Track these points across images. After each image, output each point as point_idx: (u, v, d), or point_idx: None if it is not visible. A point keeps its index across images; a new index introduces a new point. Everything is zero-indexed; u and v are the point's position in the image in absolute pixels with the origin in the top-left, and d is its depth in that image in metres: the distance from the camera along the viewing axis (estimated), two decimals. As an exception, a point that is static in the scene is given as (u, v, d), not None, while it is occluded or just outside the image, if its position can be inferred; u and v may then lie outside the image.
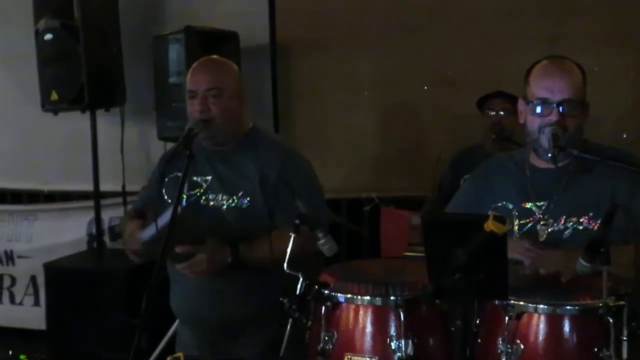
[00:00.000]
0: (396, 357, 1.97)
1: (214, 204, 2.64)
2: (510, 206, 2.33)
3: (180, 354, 2.27)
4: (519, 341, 1.93)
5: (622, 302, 1.87)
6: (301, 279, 2.07)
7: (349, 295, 2.04)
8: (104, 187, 4.48)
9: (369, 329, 2.01)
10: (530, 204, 2.31)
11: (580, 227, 2.24)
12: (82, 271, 4.28)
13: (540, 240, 2.27)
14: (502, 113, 3.74)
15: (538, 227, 2.28)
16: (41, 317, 4.48)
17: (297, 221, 2.13)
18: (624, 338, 1.85)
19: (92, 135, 4.36)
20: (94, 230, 4.60)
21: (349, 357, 2.01)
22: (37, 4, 4.31)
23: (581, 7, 4.12)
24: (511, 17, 4.20)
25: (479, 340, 2.01)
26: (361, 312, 2.03)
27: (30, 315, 4.88)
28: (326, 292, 2.05)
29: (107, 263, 4.39)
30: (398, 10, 4.34)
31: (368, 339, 2.01)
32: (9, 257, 5.01)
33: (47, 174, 4.98)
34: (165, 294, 2.71)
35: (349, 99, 4.52)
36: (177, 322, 2.84)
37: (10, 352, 2.89)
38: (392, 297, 2.00)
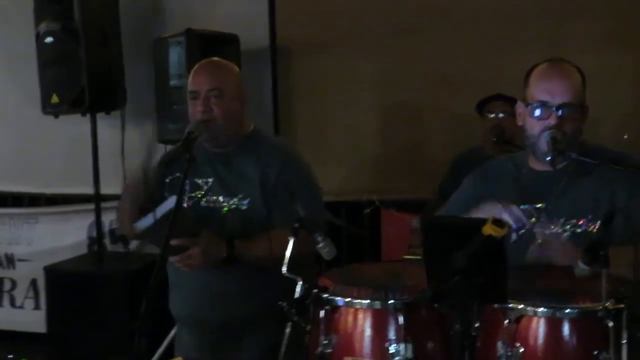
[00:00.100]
0: (395, 361, 1.97)
1: (214, 206, 2.65)
2: None
3: (179, 358, 2.27)
4: (518, 344, 1.91)
5: (622, 305, 1.86)
6: (300, 283, 2.07)
7: (348, 299, 2.03)
8: (105, 190, 4.48)
9: (368, 332, 2.00)
10: (528, 206, 2.31)
11: (579, 230, 2.24)
12: (83, 274, 4.29)
13: (538, 242, 2.26)
14: (502, 116, 3.73)
15: (535, 230, 2.28)
16: (42, 321, 4.48)
17: (296, 225, 2.13)
18: (624, 341, 1.85)
19: (93, 138, 4.36)
20: (94, 234, 4.60)
21: (348, 360, 2.00)
22: (38, 7, 4.31)
23: (581, 8, 4.12)
24: (511, 18, 4.20)
25: (479, 344, 2.00)
26: (360, 315, 2.02)
27: (30, 318, 4.88)
28: (325, 295, 2.04)
29: (108, 266, 4.39)
30: (398, 11, 4.34)
31: (367, 342, 2.00)
32: (10, 260, 5.01)
33: (48, 177, 4.98)
34: (165, 297, 2.72)
35: (349, 100, 4.52)
36: (176, 326, 2.83)
37: (11, 356, 2.89)
38: (391, 301, 1.99)
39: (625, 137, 3.82)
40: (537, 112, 2.27)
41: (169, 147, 3.73)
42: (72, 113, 4.33)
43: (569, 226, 2.25)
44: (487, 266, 1.77)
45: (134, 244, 4.71)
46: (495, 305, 1.95)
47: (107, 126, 4.51)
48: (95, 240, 4.59)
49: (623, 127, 4.06)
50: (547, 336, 1.91)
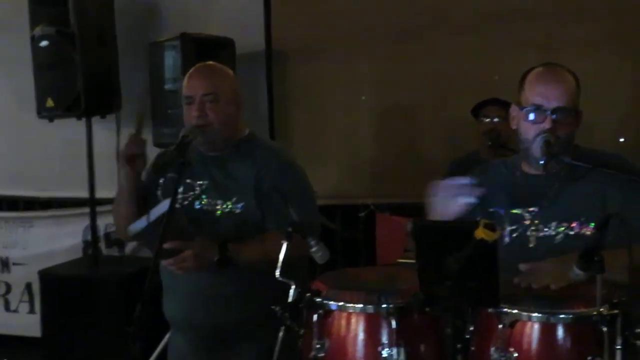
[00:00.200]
0: (388, 365, 1.96)
1: (207, 208, 2.64)
2: (502, 211, 2.33)
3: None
4: (512, 349, 1.92)
5: (616, 311, 1.86)
6: (293, 287, 2.07)
7: (341, 303, 2.03)
8: (100, 194, 4.47)
9: (361, 336, 2.01)
10: (521, 209, 2.31)
11: (572, 233, 2.24)
12: (78, 278, 4.27)
13: (530, 246, 2.27)
14: (497, 120, 3.73)
15: (528, 233, 2.28)
16: (36, 325, 4.46)
17: (289, 229, 2.12)
18: (618, 347, 1.84)
19: (88, 142, 4.36)
20: (89, 237, 4.59)
21: (341, 365, 2.00)
22: (33, 11, 4.30)
23: (578, 12, 4.12)
24: (508, 21, 4.20)
25: (473, 348, 2.00)
26: (353, 320, 2.02)
27: (25, 322, 4.87)
28: (318, 299, 2.05)
29: (103, 270, 4.38)
30: (394, 15, 4.34)
31: (360, 346, 2.01)
32: (5, 264, 5.00)
33: (43, 180, 4.97)
34: (160, 301, 2.71)
35: (344, 104, 4.52)
36: (169, 333, 2.82)
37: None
38: (384, 305, 2.00)
39: (622, 140, 3.82)
40: (532, 116, 2.27)
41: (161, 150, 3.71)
42: (68, 117, 4.32)
43: (562, 229, 2.25)
44: (479, 270, 1.76)
45: (129, 248, 4.70)
46: (490, 310, 1.95)
47: (103, 130, 4.49)
48: (90, 244, 4.58)
49: (620, 129, 4.07)
50: (541, 341, 1.91)
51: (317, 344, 2.03)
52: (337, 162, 4.54)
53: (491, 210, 2.33)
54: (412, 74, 4.35)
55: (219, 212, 2.62)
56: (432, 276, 1.83)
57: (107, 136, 4.52)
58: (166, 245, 2.40)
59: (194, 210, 2.65)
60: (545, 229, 2.26)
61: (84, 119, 4.34)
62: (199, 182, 2.67)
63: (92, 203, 4.43)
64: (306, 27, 4.48)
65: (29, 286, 4.90)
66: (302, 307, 2.05)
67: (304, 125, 4.60)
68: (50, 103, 4.26)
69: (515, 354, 1.91)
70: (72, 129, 4.48)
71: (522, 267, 2.12)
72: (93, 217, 4.44)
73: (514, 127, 2.37)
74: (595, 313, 1.87)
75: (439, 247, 1.82)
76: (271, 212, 2.56)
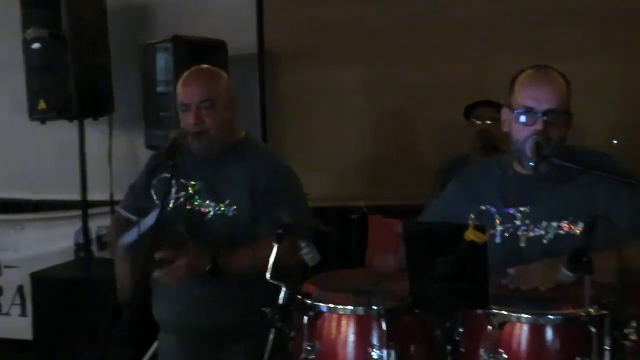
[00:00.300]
0: (379, 367, 1.97)
1: (199, 210, 2.64)
2: (494, 210, 2.35)
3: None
4: (502, 351, 1.92)
5: (605, 312, 1.87)
6: (284, 289, 2.07)
7: (331, 305, 2.03)
8: (92, 196, 4.47)
9: (351, 338, 2.01)
10: (513, 209, 2.32)
11: (562, 232, 2.25)
12: (70, 281, 4.26)
13: (521, 245, 2.28)
14: (489, 122, 3.74)
15: (519, 233, 2.30)
16: (28, 328, 4.44)
17: (279, 231, 2.13)
18: (607, 348, 1.85)
19: (80, 145, 4.35)
20: (82, 240, 4.58)
21: (332, 366, 2.00)
22: (26, 13, 4.30)
23: (569, 16, 4.14)
24: (499, 25, 4.21)
25: (462, 350, 2.01)
26: (344, 322, 2.02)
27: (17, 325, 4.85)
28: (309, 301, 2.05)
29: (95, 273, 4.37)
30: (385, 18, 4.35)
31: (351, 348, 2.01)
32: (-3, 267, 5.00)
33: (35, 183, 4.95)
34: (150, 304, 2.71)
35: (337, 107, 4.52)
36: (159, 333, 2.82)
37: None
38: (374, 307, 2.00)
39: (615, 142, 3.83)
40: (523, 119, 2.28)
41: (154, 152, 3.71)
42: (60, 119, 4.32)
43: (551, 229, 2.26)
44: (469, 272, 1.77)
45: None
46: (479, 311, 1.95)
47: (95, 132, 4.49)
48: (83, 247, 4.58)
49: (612, 132, 4.08)
50: (531, 342, 1.92)
51: (308, 346, 2.03)
52: (329, 164, 4.54)
53: (483, 208, 2.35)
54: (404, 77, 4.36)
55: (211, 214, 2.62)
56: (422, 278, 1.84)
57: (99, 139, 4.52)
58: (157, 256, 2.40)
59: (186, 211, 2.65)
60: (536, 229, 2.28)
61: (76, 122, 4.33)
62: (192, 183, 2.67)
63: (85, 206, 4.43)
64: (299, 30, 4.49)
65: (20, 289, 4.88)
66: (292, 309, 2.05)
67: (296, 128, 4.60)
68: (42, 105, 4.26)
69: (505, 356, 1.91)
70: (64, 131, 4.47)
71: (511, 271, 2.13)
72: (85, 220, 4.44)
73: (505, 130, 2.38)
74: (584, 314, 1.87)
75: (428, 249, 1.82)
76: (265, 217, 2.55)
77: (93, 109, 4.34)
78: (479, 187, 2.41)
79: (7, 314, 4.97)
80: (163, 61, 4.11)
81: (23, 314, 4.90)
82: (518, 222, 2.30)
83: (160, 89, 4.12)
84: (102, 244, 4.71)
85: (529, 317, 1.92)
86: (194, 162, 2.66)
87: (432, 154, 4.34)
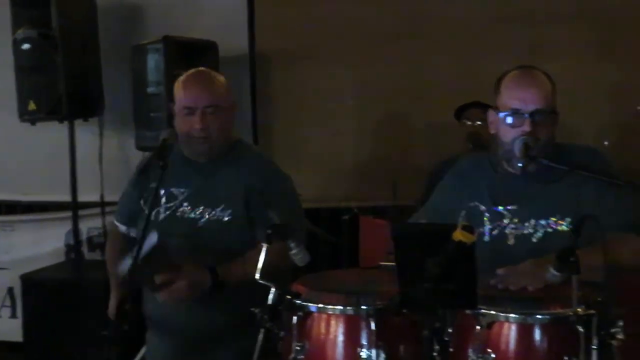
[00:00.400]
0: (368, 367, 1.97)
1: (190, 216, 2.62)
2: (482, 207, 2.36)
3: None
4: (490, 350, 1.93)
5: (592, 311, 1.88)
6: (273, 289, 2.07)
7: (320, 305, 2.04)
8: (83, 197, 4.46)
9: (340, 338, 2.01)
10: (501, 207, 2.34)
11: (550, 230, 2.27)
12: (60, 282, 4.25)
13: (509, 243, 2.30)
14: (479, 123, 3.75)
15: (507, 231, 2.31)
16: (18, 329, 4.43)
17: (268, 231, 2.13)
18: (594, 347, 1.86)
19: (70, 146, 4.34)
20: (72, 241, 4.56)
21: (321, 366, 2.00)
22: (15, 13, 4.28)
23: (561, 17, 4.16)
24: (491, 26, 4.23)
25: (451, 349, 2.02)
26: (333, 322, 2.03)
27: (7, 327, 4.82)
28: (298, 302, 2.05)
29: (85, 274, 4.36)
30: (377, 20, 4.36)
31: (339, 348, 2.01)
32: (-13, 268, 4.97)
33: (25, 184, 4.93)
34: (140, 305, 2.70)
35: (328, 108, 4.53)
36: (147, 332, 2.81)
37: (-13, 364, 2.86)
38: (363, 307, 2.01)
39: (606, 143, 3.85)
40: (510, 120, 2.29)
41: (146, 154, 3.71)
42: (50, 120, 4.31)
43: (539, 227, 2.28)
44: (457, 272, 1.78)
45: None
46: (468, 311, 1.96)
47: (85, 133, 4.48)
48: (73, 248, 4.56)
49: (602, 133, 4.10)
50: (518, 342, 1.93)
51: (297, 346, 2.04)
52: (320, 165, 4.55)
53: (472, 204, 2.36)
54: (395, 78, 4.37)
55: (203, 219, 2.61)
56: (411, 278, 1.84)
57: (89, 139, 4.52)
58: (156, 279, 2.40)
59: (177, 218, 2.63)
60: (524, 228, 2.29)
61: (66, 123, 4.32)
62: (181, 190, 2.66)
63: (75, 207, 4.41)
64: (290, 31, 4.49)
65: (10, 290, 4.85)
66: (281, 309, 2.06)
67: (287, 129, 4.61)
68: (32, 106, 4.24)
69: (493, 355, 1.92)
70: (54, 132, 4.46)
71: (500, 271, 2.14)
72: (75, 221, 4.42)
73: (492, 131, 2.40)
74: (571, 313, 1.88)
75: (417, 250, 1.83)
76: (259, 220, 2.52)
77: (83, 110, 4.33)
78: (470, 182, 2.43)
79: (-3, 316, 4.95)
80: (153, 62, 4.10)
81: (13, 315, 4.88)
82: (506, 221, 2.32)
83: (150, 89, 4.11)
84: (93, 245, 4.70)
85: (517, 316, 1.93)
86: (183, 167, 2.64)
87: (423, 155, 4.35)
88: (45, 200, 4.92)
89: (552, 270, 1.95)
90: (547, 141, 2.29)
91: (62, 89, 4.16)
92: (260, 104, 4.55)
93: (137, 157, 4.10)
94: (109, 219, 4.47)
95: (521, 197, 2.32)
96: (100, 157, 4.47)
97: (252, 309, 2.05)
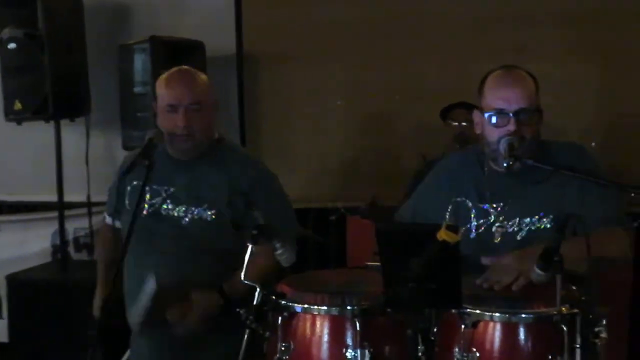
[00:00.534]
0: (353, 367, 1.97)
1: (174, 214, 2.62)
2: (469, 204, 2.38)
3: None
4: (474, 349, 1.94)
5: (576, 310, 1.89)
6: (258, 289, 2.07)
7: (305, 306, 2.04)
8: (69, 197, 4.43)
9: (325, 338, 2.02)
10: (487, 205, 2.36)
11: (533, 228, 2.29)
12: (46, 283, 4.23)
13: (495, 241, 2.31)
14: (464, 124, 3.76)
15: (494, 229, 2.33)
16: (4, 330, 4.41)
17: (254, 232, 2.13)
18: (577, 345, 1.88)
19: (57, 145, 4.32)
20: (58, 241, 4.54)
21: (306, 366, 2.01)
22: (1, 13, 4.26)
23: (547, 18, 4.17)
24: (479, 27, 4.23)
25: (436, 349, 2.02)
26: (318, 322, 2.03)
27: (-8, 327, 4.81)
28: (283, 302, 2.06)
29: (72, 274, 4.34)
30: (364, 20, 4.36)
31: (325, 348, 2.02)
32: (-28, 269, 4.93)
33: (11, 184, 4.91)
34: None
35: (315, 108, 4.52)
36: (132, 334, 2.80)
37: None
38: (348, 307, 2.01)
39: (593, 144, 3.87)
40: (494, 120, 2.31)
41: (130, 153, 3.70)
42: (36, 120, 4.28)
43: (524, 225, 2.30)
44: (441, 272, 1.78)
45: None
46: (453, 310, 1.96)
47: (72, 133, 4.46)
48: (59, 248, 4.54)
49: (588, 133, 4.11)
50: (503, 341, 1.94)
51: (282, 346, 2.04)
52: (308, 165, 4.54)
53: (459, 199, 2.37)
54: (381, 79, 4.37)
55: (187, 218, 2.61)
56: (396, 278, 1.85)
57: (76, 140, 4.49)
58: (169, 317, 2.44)
59: (161, 216, 2.63)
60: (509, 226, 2.31)
61: (52, 122, 4.30)
62: (164, 188, 2.65)
63: (61, 207, 4.39)
64: (277, 31, 4.48)
65: (-4, 291, 4.84)
66: (266, 309, 2.06)
67: (275, 129, 4.60)
68: (18, 106, 4.22)
69: (478, 354, 1.93)
70: (40, 132, 4.44)
71: (484, 260, 2.15)
72: (62, 221, 4.40)
73: (478, 132, 2.41)
74: (555, 312, 1.90)
75: (402, 250, 1.83)
76: (248, 220, 2.51)
77: (69, 110, 4.30)
78: (457, 178, 2.45)
79: (-17, 316, 4.92)
80: (140, 62, 4.09)
81: (-2, 316, 4.86)
82: (492, 218, 2.34)
83: (137, 89, 4.10)
84: (79, 245, 4.68)
85: (502, 315, 1.94)
86: (167, 166, 2.64)
87: (410, 155, 4.35)
88: (31, 200, 4.90)
89: (537, 270, 1.96)
90: (533, 140, 2.30)
91: (49, 88, 4.14)
92: (248, 105, 4.54)
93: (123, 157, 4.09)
94: (96, 219, 4.46)
95: (507, 195, 2.34)
96: (87, 157, 4.44)
97: (238, 310, 2.05)
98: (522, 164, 2.24)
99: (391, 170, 4.36)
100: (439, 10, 4.30)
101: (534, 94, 2.32)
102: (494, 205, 2.35)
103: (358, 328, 1.98)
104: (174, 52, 4.07)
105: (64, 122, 4.34)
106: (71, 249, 4.65)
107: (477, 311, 1.94)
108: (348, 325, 2.00)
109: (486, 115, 2.32)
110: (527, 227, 2.29)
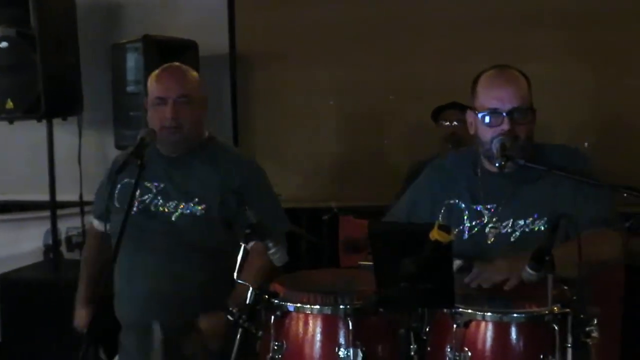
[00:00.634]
0: (345, 366, 1.98)
1: (164, 210, 2.63)
2: (462, 205, 2.38)
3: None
4: (466, 349, 1.95)
5: (567, 310, 1.90)
6: (251, 288, 2.07)
7: (298, 305, 2.05)
8: (61, 197, 4.42)
9: (318, 337, 2.02)
10: (480, 206, 2.36)
11: (527, 229, 2.29)
12: (38, 282, 4.22)
13: (489, 242, 2.31)
14: (456, 124, 3.76)
15: (487, 230, 2.33)
16: (-4, 329, 4.40)
17: (247, 231, 2.13)
18: (569, 345, 1.88)
19: (49, 145, 4.31)
20: (50, 241, 4.53)
21: (299, 366, 2.01)
22: (-7, 12, 4.26)
23: (539, 18, 4.18)
24: (469, 27, 4.24)
25: (428, 348, 2.03)
26: (310, 321, 2.04)
27: (-16, 327, 4.80)
28: (276, 301, 2.06)
29: (64, 274, 4.32)
30: (356, 20, 4.36)
31: (317, 347, 2.02)
32: (-36, 268, 4.92)
33: (3, 183, 4.89)
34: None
35: (308, 108, 4.53)
36: (121, 332, 2.80)
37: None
38: (341, 306, 2.02)
39: (586, 144, 3.89)
40: (488, 120, 2.31)
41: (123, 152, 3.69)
42: (28, 119, 4.27)
43: (517, 226, 2.30)
44: (433, 272, 1.79)
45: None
46: (445, 310, 1.97)
47: (64, 132, 4.45)
48: (52, 248, 4.53)
49: (582, 135, 4.13)
50: (495, 340, 1.94)
51: (275, 345, 2.04)
52: (300, 165, 4.55)
53: (452, 201, 2.38)
54: (374, 79, 4.38)
55: (177, 213, 2.61)
56: (389, 278, 1.85)
57: (68, 139, 4.48)
58: (187, 351, 2.46)
59: (151, 213, 2.63)
60: (502, 227, 2.31)
61: (44, 121, 4.29)
62: (154, 184, 2.66)
63: (53, 206, 4.38)
64: (270, 30, 4.49)
65: (-12, 290, 4.82)
66: (259, 308, 2.06)
67: (267, 129, 4.60)
68: (10, 105, 4.20)
69: (470, 354, 1.93)
70: (33, 131, 4.43)
71: (467, 279, 2.15)
72: (54, 220, 4.39)
73: (472, 132, 2.41)
74: (547, 312, 1.90)
75: (394, 249, 1.84)
76: (239, 218, 2.50)
77: (62, 109, 4.29)
78: (451, 178, 2.45)
79: (-26, 316, 4.90)
80: (133, 61, 4.09)
81: (-10, 315, 4.84)
82: (485, 219, 2.34)
83: (130, 88, 4.10)
84: (71, 244, 4.67)
85: (493, 315, 1.95)
86: (158, 162, 2.65)
87: (403, 155, 4.36)
88: (23, 199, 4.88)
89: (528, 270, 1.97)
90: (526, 140, 2.30)
91: (41, 87, 4.12)
92: (241, 105, 4.54)
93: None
94: (88, 218, 4.45)
95: (500, 196, 2.34)
96: (79, 157, 4.43)
97: (230, 309, 2.05)
98: (515, 163, 2.25)
99: (384, 170, 4.37)
100: (432, 11, 4.31)
101: (527, 93, 2.32)
102: (488, 207, 2.35)
103: (351, 327, 1.98)
104: (167, 52, 4.06)
105: (56, 121, 4.33)
106: (63, 249, 4.64)
107: (469, 311, 1.95)
108: (341, 325, 2.00)
109: (480, 115, 2.32)
110: (521, 229, 2.29)
